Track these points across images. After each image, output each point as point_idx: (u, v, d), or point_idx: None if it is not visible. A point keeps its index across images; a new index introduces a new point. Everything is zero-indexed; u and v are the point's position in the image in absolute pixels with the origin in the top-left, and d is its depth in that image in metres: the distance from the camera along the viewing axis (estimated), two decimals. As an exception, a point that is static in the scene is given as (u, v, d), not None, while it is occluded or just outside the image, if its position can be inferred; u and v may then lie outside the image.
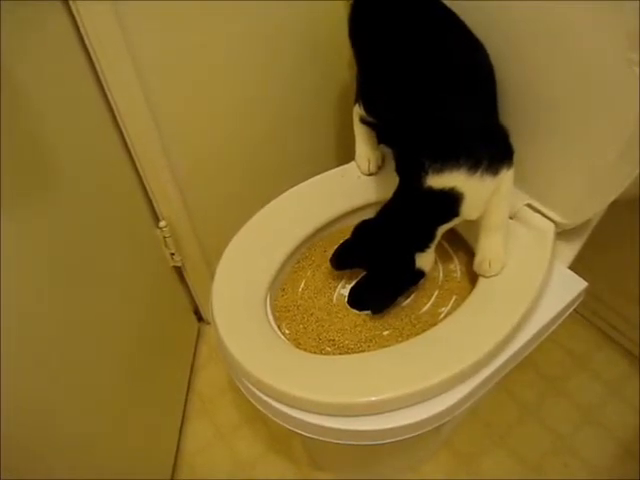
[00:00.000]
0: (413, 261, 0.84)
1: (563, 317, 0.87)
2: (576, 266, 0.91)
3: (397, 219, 0.84)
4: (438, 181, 0.78)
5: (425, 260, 0.86)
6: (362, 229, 0.88)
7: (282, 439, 1.27)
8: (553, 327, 0.86)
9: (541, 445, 1.22)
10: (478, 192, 0.80)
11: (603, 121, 0.80)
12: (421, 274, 0.87)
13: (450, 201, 0.79)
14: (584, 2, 0.75)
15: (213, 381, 1.40)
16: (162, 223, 1.21)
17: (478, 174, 0.78)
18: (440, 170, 0.78)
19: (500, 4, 0.86)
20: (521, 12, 0.84)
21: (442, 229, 0.83)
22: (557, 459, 1.20)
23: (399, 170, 0.86)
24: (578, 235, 0.91)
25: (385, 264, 0.86)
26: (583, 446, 1.21)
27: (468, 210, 0.81)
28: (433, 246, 0.85)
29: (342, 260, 0.91)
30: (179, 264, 1.31)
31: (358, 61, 1.01)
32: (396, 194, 0.85)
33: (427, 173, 0.78)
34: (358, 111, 1.02)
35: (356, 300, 0.90)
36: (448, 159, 0.77)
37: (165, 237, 1.23)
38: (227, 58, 1.10)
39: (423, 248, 0.84)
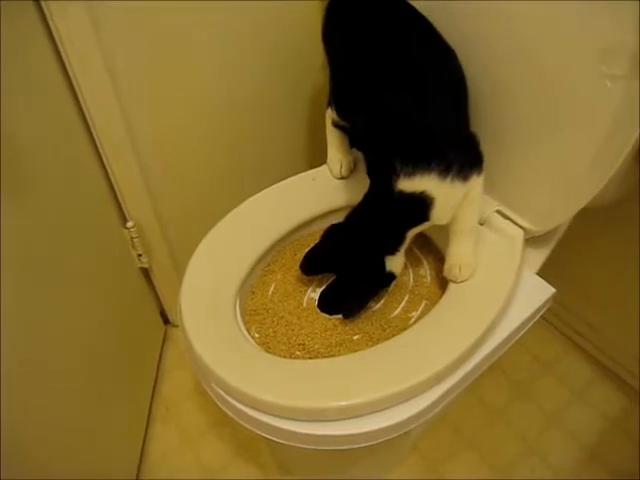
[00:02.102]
0: (383, 264, 0.84)
1: (531, 323, 0.88)
2: (544, 273, 0.92)
3: (367, 222, 0.84)
4: (409, 185, 0.78)
5: (395, 263, 0.86)
6: (331, 233, 0.88)
7: (250, 444, 1.26)
8: (522, 332, 0.87)
9: (508, 449, 1.23)
10: (448, 197, 0.80)
11: (572, 130, 0.81)
12: (392, 277, 0.87)
13: (421, 205, 0.80)
14: (558, 15, 0.76)
15: (179, 385, 1.38)
16: (130, 223, 1.19)
17: (449, 179, 0.79)
18: (411, 173, 0.78)
19: (474, 15, 0.87)
20: (494, 23, 0.85)
21: (412, 233, 0.84)
22: (524, 463, 1.21)
23: (370, 173, 0.86)
24: (547, 242, 0.92)
25: (355, 268, 0.86)
26: (549, 450, 1.23)
27: (438, 215, 0.81)
28: (403, 249, 0.85)
29: (312, 265, 0.91)
30: (146, 266, 1.29)
31: (330, 64, 1.01)
32: (366, 197, 0.85)
33: (398, 176, 0.78)
34: (330, 114, 1.02)
35: (326, 304, 0.90)
36: (419, 162, 0.78)
37: (132, 238, 1.21)
38: (200, 59, 1.09)
39: (393, 251, 0.84)
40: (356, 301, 0.87)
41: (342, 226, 0.87)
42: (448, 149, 0.80)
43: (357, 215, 0.86)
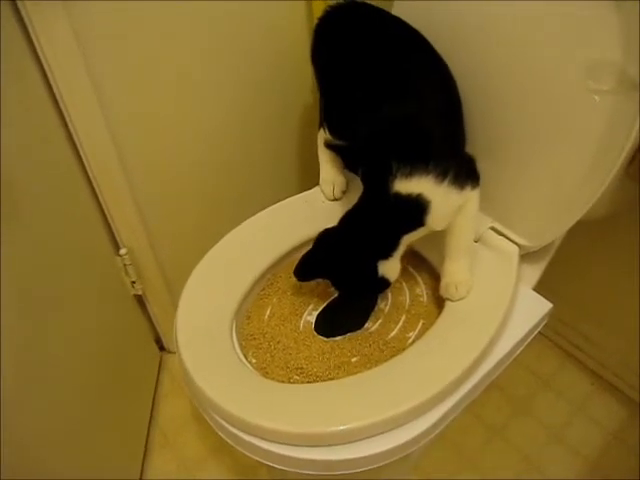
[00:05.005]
0: (375, 268, 0.83)
1: (530, 339, 0.88)
2: (539, 288, 0.92)
3: (361, 225, 0.84)
4: (406, 186, 0.78)
5: (389, 268, 0.84)
6: (324, 238, 0.87)
7: (248, 470, 1.24)
8: (520, 349, 0.87)
9: (509, 465, 1.22)
10: (444, 202, 0.80)
11: (564, 145, 0.82)
12: (385, 283, 0.86)
13: (417, 208, 0.79)
14: (550, 34, 0.77)
15: (176, 412, 1.36)
16: (123, 251, 1.18)
17: (445, 184, 0.79)
18: (409, 175, 0.78)
19: (466, 31, 0.89)
20: (483, 36, 0.87)
21: (406, 238, 0.83)
22: (526, 479, 1.20)
23: (365, 178, 0.86)
24: (542, 257, 0.93)
25: (348, 272, 0.85)
26: (550, 465, 1.22)
27: (434, 220, 0.81)
28: (397, 255, 0.84)
29: (306, 271, 0.89)
30: (140, 292, 1.28)
31: (321, 85, 1.01)
32: (360, 201, 0.85)
33: (395, 177, 0.78)
34: (323, 135, 1.03)
35: (323, 327, 0.90)
36: (417, 164, 0.78)
37: (126, 265, 1.20)
38: (190, 83, 1.09)
39: (386, 256, 0.83)
40: (353, 316, 0.88)
41: (335, 230, 0.86)
42: (445, 154, 0.81)
43: (350, 218, 0.85)
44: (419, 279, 0.98)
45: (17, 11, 0.85)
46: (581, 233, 0.90)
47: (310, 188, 1.08)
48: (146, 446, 1.29)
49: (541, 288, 0.92)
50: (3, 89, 0.81)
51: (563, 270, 1.04)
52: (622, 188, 0.83)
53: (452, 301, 0.87)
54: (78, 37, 0.90)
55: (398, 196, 0.79)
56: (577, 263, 1.20)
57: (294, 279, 0.90)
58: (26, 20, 0.86)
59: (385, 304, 0.94)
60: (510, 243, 0.91)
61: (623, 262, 1.14)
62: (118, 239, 1.18)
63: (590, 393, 1.33)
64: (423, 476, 1.21)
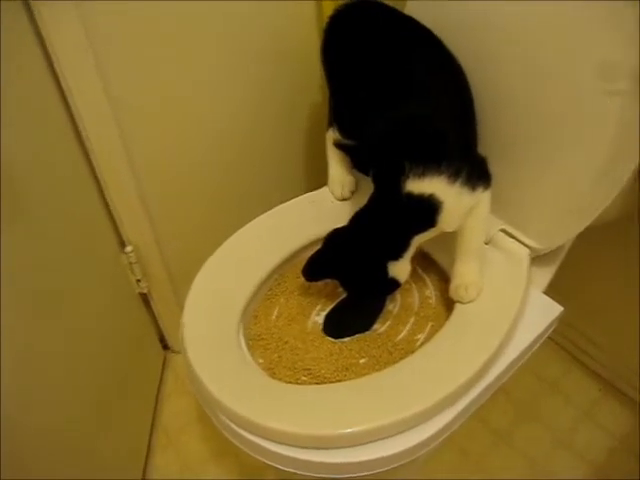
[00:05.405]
0: (386, 269, 0.82)
1: (540, 342, 0.87)
2: (547, 291, 0.92)
3: (372, 225, 0.83)
4: (418, 186, 0.77)
5: (399, 269, 0.83)
6: (334, 237, 0.86)
7: (253, 473, 1.23)
8: (530, 352, 0.86)
9: (515, 470, 1.21)
10: (456, 203, 0.79)
11: (577, 147, 0.81)
12: (395, 284, 0.85)
13: (429, 209, 0.79)
14: (564, 34, 0.76)
15: (180, 412, 1.35)
16: (128, 248, 1.18)
17: (457, 184, 0.78)
18: (421, 175, 0.77)
19: (477, 31, 0.88)
20: (497, 37, 0.86)
21: (417, 239, 0.82)
22: (531, 484, 1.19)
23: (376, 178, 0.84)
24: (553, 260, 0.92)
25: (357, 272, 0.84)
26: (557, 470, 1.21)
27: (445, 220, 0.80)
28: (407, 256, 0.83)
29: (314, 270, 0.88)
30: (145, 291, 1.28)
31: (331, 84, 1.01)
32: (371, 200, 0.84)
33: (408, 177, 0.77)
34: (332, 135, 1.02)
35: (332, 327, 0.89)
36: (430, 164, 0.77)
37: (131, 263, 1.20)
38: (199, 81, 1.09)
39: (396, 257, 0.82)
40: (362, 317, 0.88)
41: (345, 230, 0.85)
42: (458, 155, 0.80)
43: (361, 218, 0.84)
44: (428, 281, 0.97)
45: (29, 9, 0.85)
46: (591, 236, 0.89)
47: (318, 188, 1.08)
48: (149, 446, 1.29)
49: (549, 292, 0.91)
50: (12, 86, 0.81)
51: (572, 274, 1.03)
52: (634, 192, 0.82)
53: (462, 303, 0.86)
54: (88, 35, 0.90)
55: (410, 196, 0.78)
56: (586, 266, 1.19)
57: (302, 279, 0.89)
58: (37, 18, 0.86)
59: (394, 305, 0.93)
60: (521, 246, 0.90)
61: (634, 266, 1.13)
62: (124, 236, 1.17)
63: (597, 398, 1.32)
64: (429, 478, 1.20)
